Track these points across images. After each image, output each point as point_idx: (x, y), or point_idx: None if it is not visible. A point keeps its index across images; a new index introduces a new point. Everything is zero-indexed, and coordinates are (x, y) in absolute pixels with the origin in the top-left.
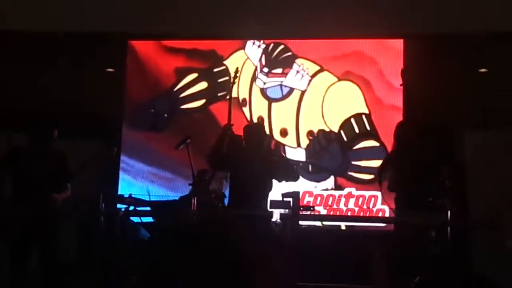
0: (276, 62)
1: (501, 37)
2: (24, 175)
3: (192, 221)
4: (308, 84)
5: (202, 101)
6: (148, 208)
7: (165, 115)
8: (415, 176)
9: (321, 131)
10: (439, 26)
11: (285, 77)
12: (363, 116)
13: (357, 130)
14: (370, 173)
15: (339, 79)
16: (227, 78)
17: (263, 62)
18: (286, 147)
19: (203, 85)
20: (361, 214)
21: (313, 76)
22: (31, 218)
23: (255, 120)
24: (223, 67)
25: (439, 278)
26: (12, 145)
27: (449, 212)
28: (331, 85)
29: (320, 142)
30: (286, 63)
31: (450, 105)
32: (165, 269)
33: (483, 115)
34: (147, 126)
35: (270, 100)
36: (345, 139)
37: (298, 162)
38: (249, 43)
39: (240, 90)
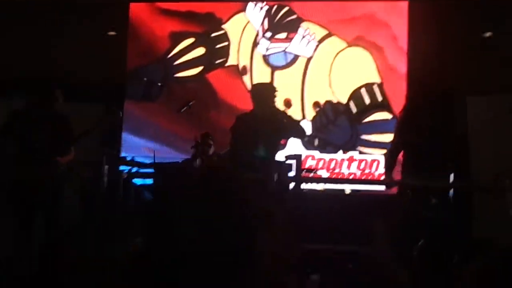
0: (280, 26)
1: (506, 1)
2: (27, 138)
3: (194, 179)
4: (315, 50)
5: (199, 69)
6: (151, 170)
7: (159, 84)
8: (423, 146)
9: (329, 102)
10: None
11: (290, 42)
12: (375, 86)
13: (367, 101)
14: (381, 148)
15: (349, 45)
16: (226, 43)
17: (266, 26)
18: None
19: (200, 51)
20: (363, 178)
21: (320, 41)
22: (34, 181)
23: None
24: (222, 32)
25: (441, 242)
26: (14, 109)
27: (451, 176)
28: (340, 51)
29: (327, 114)
30: (291, 27)
31: (453, 68)
32: (169, 228)
33: (487, 79)
34: (139, 96)
35: (273, 68)
36: (354, 111)
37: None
38: (250, 4)
39: (240, 57)
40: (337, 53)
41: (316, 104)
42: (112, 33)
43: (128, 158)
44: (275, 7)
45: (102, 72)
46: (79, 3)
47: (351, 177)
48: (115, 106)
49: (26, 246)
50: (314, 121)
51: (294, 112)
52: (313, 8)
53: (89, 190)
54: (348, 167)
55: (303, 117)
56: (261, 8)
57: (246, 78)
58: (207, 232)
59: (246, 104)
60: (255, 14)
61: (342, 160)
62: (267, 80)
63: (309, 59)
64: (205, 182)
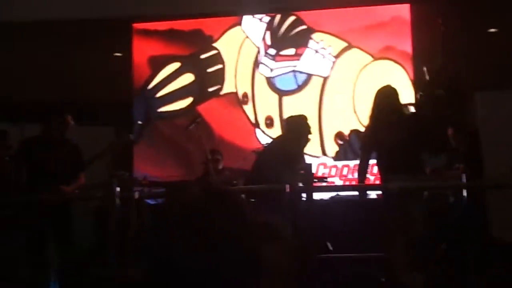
0: (286, 40)
1: None
2: (40, 164)
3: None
4: (332, 67)
5: (188, 100)
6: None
7: (139, 123)
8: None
9: (355, 132)
10: None
11: (299, 59)
12: (412, 108)
13: None
14: None
15: (375, 58)
16: (219, 66)
17: (268, 41)
18: (305, 156)
19: (188, 78)
20: (377, 182)
21: (338, 56)
22: (46, 206)
23: (261, 122)
24: (214, 52)
25: (463, 243)
26: (26, 136)
27: (464, 176)
28: (365, 66)
29: (354, 147)
30: (300, 41)
31: (460, 67)
32: (170, 247)
33: (494, 75)
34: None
35: (281, 93)
36: None
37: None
38: (247, 16)
39: (238, 82)
40: (361, 70)
41: (339, 136)
42: (117, 54)
43: (140, 178)
44: (278, 17)
45: (110, 93)
46: (85, 25)
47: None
48: (125, 129)
49: (39, 269)
50: (337, 156)
51: (310, 147)
52: (326, 16)
53: (102, 213)
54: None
55: (323, 153)
56: (261, 19)
57: (248, 108)
58: (211, 247)
59: (249, 141)
60: (253, 28)
61: (355, 166)
62: (275, 108)
63: (325, 79)
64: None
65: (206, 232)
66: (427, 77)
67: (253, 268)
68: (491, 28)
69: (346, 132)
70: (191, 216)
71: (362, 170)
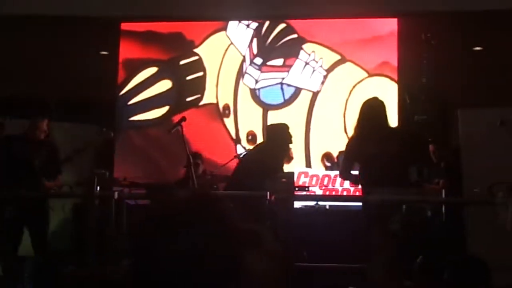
0: (275, 49)
1: (496, 15)
2: (15, 164)
3: (176, 200)
4: (323, 82)
5: (164, 109)
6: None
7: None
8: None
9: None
10: (434, 4)
11: (288, 71)
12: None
13: None
14: None
15: (370, 74)
16: (200, 74)
17: (255, 49)
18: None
19: (165, 84)
20: (357, 194)
21: (330, 69)
22: (23, 202)
23: (243, 138)
24: (195, 58)
25: (440, 257)
26: (8, 133)
27: (443, 191)
28: (359, 83)
29: None
30: (290, 51)
31: (444, 83)
32: (150, 249)
33: (477, 93)
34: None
35: (266, 107)
36: None
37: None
38: (233, 22)
39: (219, 93)
40: (355, 86)
41: (326, 157)
42: (104, 52)
43: (121, 179)
44: (267, 24)
45: (93, 91)
46: (71, 23)
47: (344, 193)
48: (105, 127)
49: (14, 264)
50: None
51: (295, 168)
52: (320, 25)
53: (81, 211)
54: (342, 184)
55: None
56: (248, 25)
57: (228, 122)
58: (192, 255)
59: (228, 158)
60: (239, 34)
61: (336, 176)
62: (258, 122)
63: (315, 94)
64: (194, 204)
65: (188, 235)
66: (408, 101)
67: (233, 274)
68: (476, 46)
69: (335, 153)
70: (173, 219)
71: (345, 178)
